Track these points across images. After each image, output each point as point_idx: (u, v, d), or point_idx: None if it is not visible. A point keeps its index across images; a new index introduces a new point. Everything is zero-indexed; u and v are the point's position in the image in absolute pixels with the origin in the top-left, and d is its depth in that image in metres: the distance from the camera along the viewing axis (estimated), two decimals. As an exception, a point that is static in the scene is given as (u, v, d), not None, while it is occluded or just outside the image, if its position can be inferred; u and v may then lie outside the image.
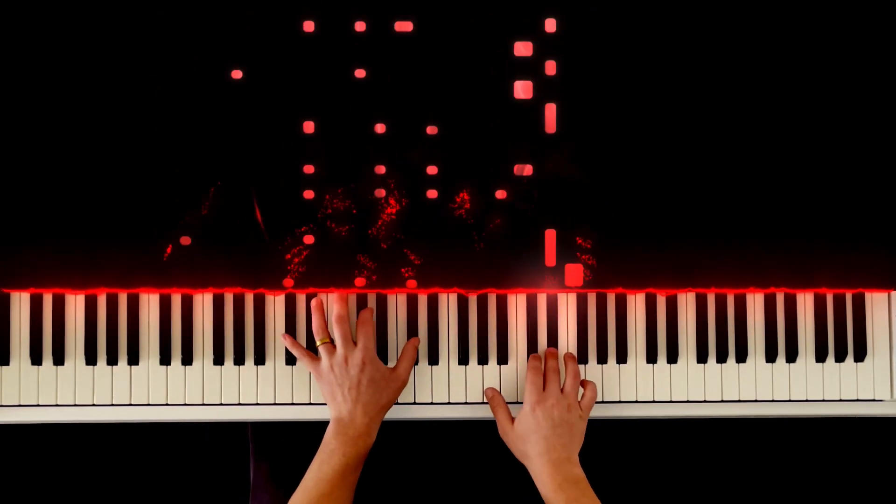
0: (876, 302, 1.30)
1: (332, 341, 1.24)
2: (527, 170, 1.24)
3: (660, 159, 1.25)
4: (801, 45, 1.25)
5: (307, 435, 1.34)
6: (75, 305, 1.27)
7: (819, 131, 1.25)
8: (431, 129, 1.23)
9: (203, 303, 1.27)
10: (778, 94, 1.25)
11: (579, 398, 1.24)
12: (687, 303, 1.29)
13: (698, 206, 1.25)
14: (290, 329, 1.27)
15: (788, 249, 1.25)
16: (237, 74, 1.22)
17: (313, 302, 1.25)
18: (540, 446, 1.19)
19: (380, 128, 1.23)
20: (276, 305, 1.28)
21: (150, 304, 1.27)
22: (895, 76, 1.25)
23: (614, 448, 1.33)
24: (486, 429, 1.30)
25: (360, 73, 1.23)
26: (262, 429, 1.39)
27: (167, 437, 1.73)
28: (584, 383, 1.26)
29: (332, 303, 1.25)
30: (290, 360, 1.27)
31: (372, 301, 1.28)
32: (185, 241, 1.22)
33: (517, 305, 1.29)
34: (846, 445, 1.69)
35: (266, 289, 1.24)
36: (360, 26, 1.23)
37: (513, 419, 1.24)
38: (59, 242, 1.22)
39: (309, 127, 1.23)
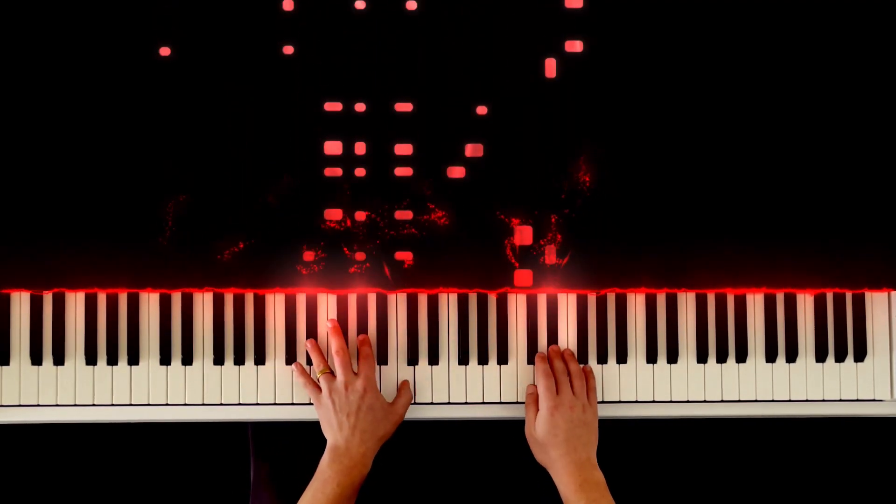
0: (876, 302, 1.30)
1: (331, 372, 1.24)
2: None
3: (660, 159, 1.25)
4: (804, 44, 1.25)
5: (307, 435, 1.34)
6: (75, 305, 1.27)
7: (819, 131, 1.25)
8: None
9: (203, 303, 1.27)
10: (779, 95, 1.25)
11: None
12: (687, 303, 1.29)
13: (698, 205, 1.25)
14: (290, 329, 1.27)
15: (788, 249, 1.25)
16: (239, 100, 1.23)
17: (309, 343, 1.26)
18: (561, 449, 1.20)
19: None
20: (276, 305, 1.28)
21: (150, 304, 1.27)
22: (895, 77, 1.25)
23: (614, 448, 1.33)
24: (486, 429, 1.30)
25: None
26: (262, 429, 1.39)
27: (167, 437, 1.73)
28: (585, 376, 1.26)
29: (331, 337, 1.25)
30: (290, 359, 1.27)
31: (372, 301, 1.28)
32: (184, 239, 1.23)
33: (517, 305, 1.29)
34: (846, 445, 1.69)
35: (267, 287, 1.24)
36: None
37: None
38: (58, 242, 1.22)
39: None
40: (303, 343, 1.27)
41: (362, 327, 1.27)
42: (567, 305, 1.29)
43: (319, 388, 1.24)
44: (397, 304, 1.28)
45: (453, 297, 1.28)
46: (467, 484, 1.40)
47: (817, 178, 1.25)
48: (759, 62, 1.25)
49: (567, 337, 1.29)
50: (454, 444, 1.41)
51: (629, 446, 1.59)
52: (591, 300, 1.29)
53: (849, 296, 1.29)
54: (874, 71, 1.25)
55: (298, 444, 1.36)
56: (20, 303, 1.27)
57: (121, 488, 1.72)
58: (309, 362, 1.27)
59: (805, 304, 1.30)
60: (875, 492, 1.69)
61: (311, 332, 1.27)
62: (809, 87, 1.25)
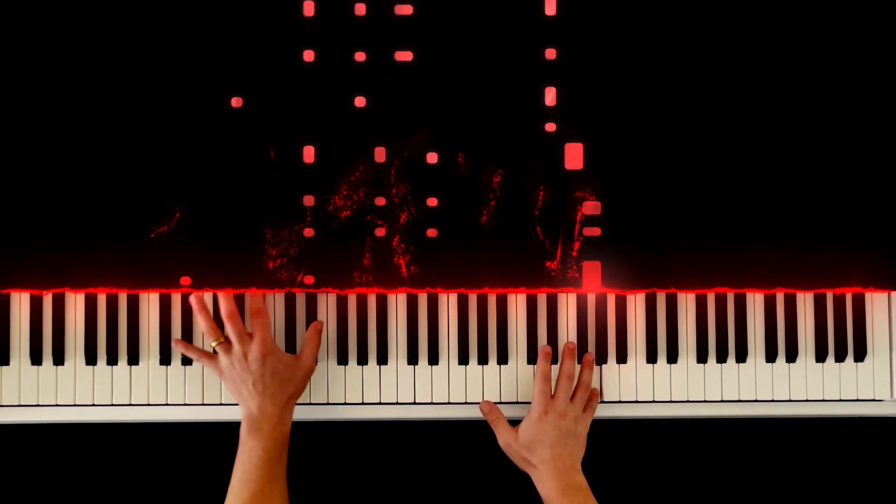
0: (876, 302, 1.30)
1: (227, 339, 1.22)
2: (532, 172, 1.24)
3: (660, 158, 1.25)
4: (804, 45, 1.25)
5: (306, 434, 1.34)
6: (75, 305, 1.27)
7: (819, 131, 1.25)
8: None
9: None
10: (778, 95, 1.25)
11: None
12: (687, 303, 1.29)
13: (698, 206, 1.25)
14: (290, 328, 1.27)
15: (788, 249, 1.25)
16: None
17: (193, 302, 1.23)
18: (546, 455, 1.19)
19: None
20: (275, 305, 1.28)
21: (150, 304, 1.27)
22: (894, 78, 1.25)
23: (614, 448, 1.33)
24: (487, 429, 1.30)
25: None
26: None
27: (167, 437, 1.73)
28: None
29: (220, 301, 1.22)
30: (290, 360, 1.27)
31: (372, 301, 1.28)
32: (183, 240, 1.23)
33: (517, 305, 1.29)
34: (846, 445, 1.69)
35: (266, 288, 1.24)
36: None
37: (514, 428, 1.23)
38: (59, 242, 1.22)
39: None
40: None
41: (362, 327, 1.27)
42: (567, 305, 1.29)
43: (214, 357, 1.22)
44: (397, 303, 1.28)
45: (453, 297, 1.28)
46: (466, 484, 1.40)
47: (817, 178, 1.25)
48: (759, 64, 1.25)
49: (567, 337, 1.29)
50: (453, 445, 1.41)
51: (629, 446, 1.59)
52: (591, 300, 1.29)
53: (849, 296, 1.29)
54: (873, 72, 1.25)
55: (296, 443, 1.36)
56: (20, 303, 1.27)
57: (121, 488, 1.72)
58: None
59: (805, 304, 1.30)
60: (875, 492, 1.69)
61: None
62: (810, 88, 1.25)
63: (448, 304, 1.29)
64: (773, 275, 1.25)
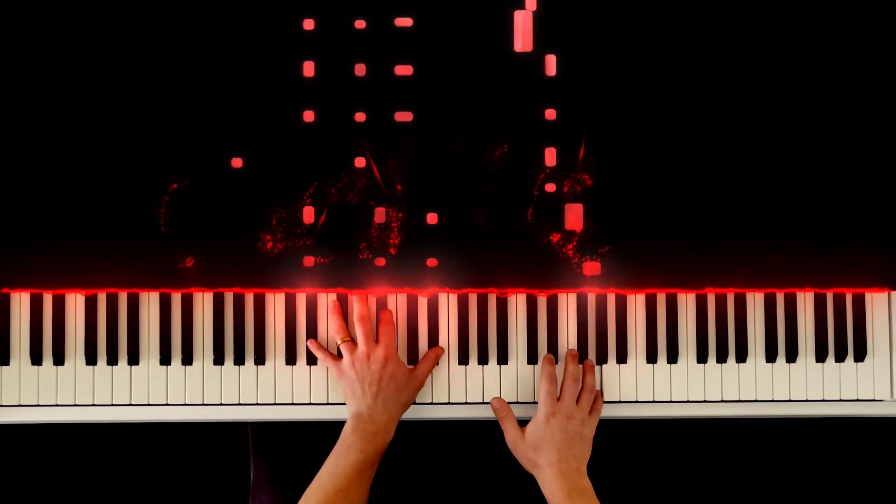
0: (876, 302, 1.30)
1: (352, 340, 1.24)
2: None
3: (660, 159, 1.25)
4: (803, 46, 1.25)
5: (307, 434, 1.34)
6: (75, 305, 1.27)
7: (818, 131, 1.25)
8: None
9: (203, 302, 1.27)
10: (778, 95, 1.25)
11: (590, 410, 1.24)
12: (687, 303, 1.29)
13: (698, 206, 1.25)
14: (290, 329, 1.27)
15: (789, 249, 1.25)
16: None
17: (331, 304, 1.26)
18: (552, 457, 1.19)
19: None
20: (276, 305, 1.28)
21: (150, 304, 1.27)
22: (894, 78, 1.25)
23: (614, 448, 1.33)
24: (486, 429, 1.30)
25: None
26: (262, 428, 1.39)
27: (167, 437, 1.73)
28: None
29: (355, 302, 1.25)
30: (290, 360, 1.27)
31: (372, 302, 1.28)
32: (188, 244, 1.23)
33: (517, 305, 1.29)
34: (846, 445, 1.69)
35: (269, 288, 1.24)
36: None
37: (521, 428, 1.23)
38: (59, 242, 1.22)
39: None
40: (303, 342, 1.27)
41: (362, 327, 1.28)
42: (567, 305, 1.29)
43: (338, 359, 1.24)
44: (397, 304, 1.28)
45: (453, 297, 1.28)
46: (465, 484, 1.40)
47: (817, 179, 1.25)
48: (759, 64, 1.25)
49: (567, 337, 1.29)
50: (453, 444, 1.41)
51: (629, 446, 1.59)
52: (591, 300, 1.29)
53: (849, 296, 1.29)
54: (874, 72, 1.25)
55: (298, 443, 1.36)
56: (20, 303, 1.27)
57: (121, 488, 1.72)
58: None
59: (805, 304, 1.30)
60: (875, 492, 1.69)
61: (311, 332, 1.27)
62: (810, 87, 1.25)
63: (448, 303, 1.29)
64: (773, 275, 1.25)
